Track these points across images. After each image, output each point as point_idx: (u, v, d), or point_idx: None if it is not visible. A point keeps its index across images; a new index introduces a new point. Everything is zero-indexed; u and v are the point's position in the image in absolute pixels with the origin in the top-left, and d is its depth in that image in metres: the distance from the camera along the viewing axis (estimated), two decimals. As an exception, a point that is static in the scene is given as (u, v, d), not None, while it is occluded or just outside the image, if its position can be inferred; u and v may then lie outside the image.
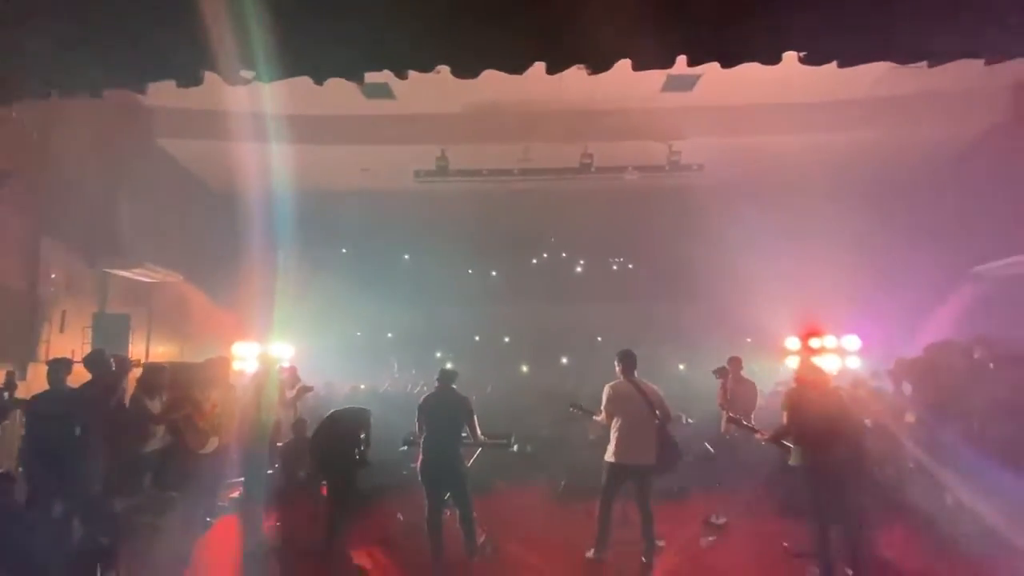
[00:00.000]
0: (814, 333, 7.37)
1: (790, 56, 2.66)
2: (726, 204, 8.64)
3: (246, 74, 2.78)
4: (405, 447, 5.47)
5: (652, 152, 8.75)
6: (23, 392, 5.38)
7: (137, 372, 5.61)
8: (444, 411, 4.83)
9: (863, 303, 8.48)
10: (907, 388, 5.88)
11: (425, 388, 7.67)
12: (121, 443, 4.76)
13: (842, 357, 7.56)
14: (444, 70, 2.79)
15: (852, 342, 7.62)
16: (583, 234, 11.61)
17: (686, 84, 7.57)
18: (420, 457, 4.78)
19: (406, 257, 12.23)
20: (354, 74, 2.83)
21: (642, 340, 10.28)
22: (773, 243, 9.22)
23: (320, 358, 9.32)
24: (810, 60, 2.69)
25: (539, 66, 2.76)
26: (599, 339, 10.57)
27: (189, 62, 2.70)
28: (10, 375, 5.61)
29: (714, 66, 2.71)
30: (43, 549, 4.03)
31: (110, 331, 7.47)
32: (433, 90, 7.39)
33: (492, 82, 2.96)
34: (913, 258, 8.78)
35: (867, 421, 5.34)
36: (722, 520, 5.52)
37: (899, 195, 9.32)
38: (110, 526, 4.34)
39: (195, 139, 8.61)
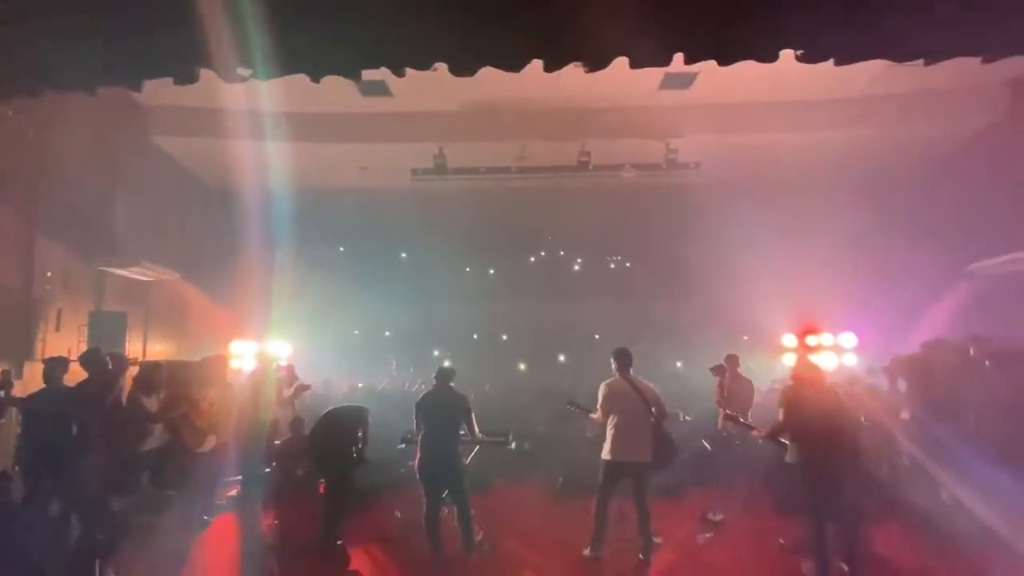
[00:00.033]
0: (811, 330, 7.39)
1: (787, 54, 2.67)
2: (723, 202, 8.65)
3: (243, 71, 2.77)
4: (403, 445, 5.48)
5: (649, 150, 8.75)
6: (19, 391, 5.36)
7: (134, 370, 5.59)
8: (442, 409, 4.84)
9: (859, 301, 8.52)
10: (902, 385, 5.91)
11: (423, 386, 7.66)
12: (118, 442, 4.74)
13: (838, 354, 7.59)
14: (441, 68, 2.78)
15: (848, 339, 7.64)
16: (581, 232, 11.61)
17: (683, 82, 7.58)
18: (418, 455, 4.79)
19: (404, 255, 12.21)
20: (351, 72, 2.82)
21: (640, 338, 10.32)
22: (770, 241, 9.24)
23: (318, 356, 9.30)
24: (807, 58, 2.69)
25: (536, 64, 2.76)
26: (597, 337, 10.59)
27: (185, 59, 2.69)
28: (6, 374, 5.59)
29: (711, 64, 2.71)
30: (40, 548, 4.03)
31: (106, 329, 7.44)
32: (430, 88, 7.37)
33: (490, 80, 2.95)
34: (909, 256, 8.81)
35: (863, 418, 5.37)
36: (719, 517, 5.54)
37: (895, 193, 9.36)
38: (108, 525, 4.33)
39: (192, 137, 8.57)
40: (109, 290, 8.20)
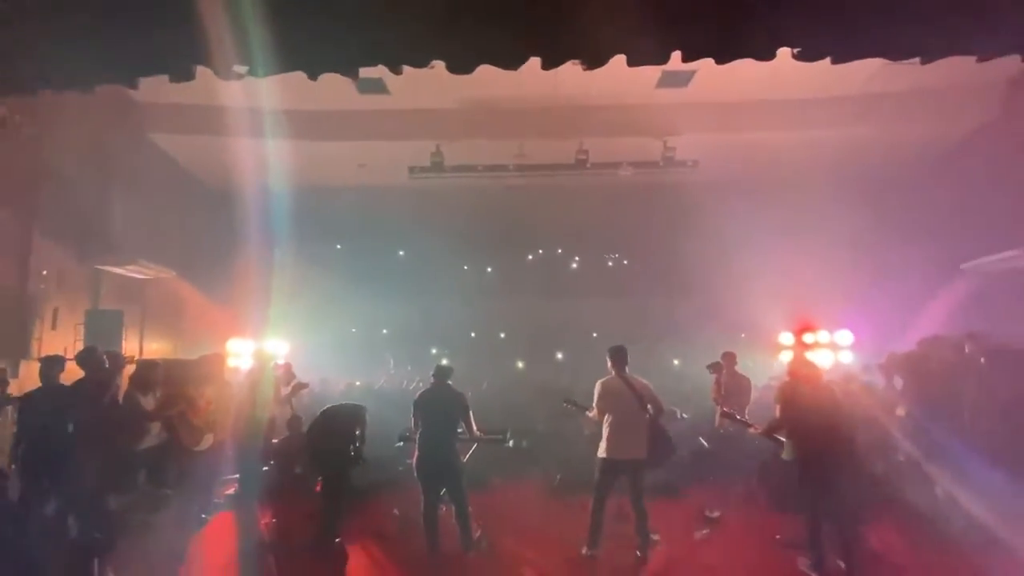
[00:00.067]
0: (807, 328, 7.43)
1: (784, 52, 2.67)
2: (720, 200, 8.67)
3: (239, 69, 2.76)
4: (401, 443, 5.48)
5: (647, 148, 8.76)
6: (15, 389, 5.35)
7: (130, 369, 5.58)
8: (440, 407, 4.85)
9: (856, 298, 8.55)
10: (898, 382, 5.94)
11: (421, 384, 7.66)
12: (115, 440, 4.74)
13: (835, 352, 7.63)
14: (439, 66, 2.78)
15: (845, 337, 7.68)
16: (578, 230, 11.62)
17: (681, 80, 7.58)
18: (416, 453, 4.80)
19: (401, 253, 12.20)
20: (348, 69, 2.81)
21: (637, 336, 10.34)
22: (767, 239, 9.27)
23: (315, 355, 9.30)
24: (804, 56, 2.70)
25: (534, 62, 2.76)
26: (594, 335, 10.60)
27: (182, 56, 2.67)
28: (2, 372, 5.58)
29: (709, 62, 2.72)
30: (37, 547, 4.02)
31: (103, 328, 7.42)
32: (428, 86, 7.33)
33: (487, 78, 2.95)
34: (905, 253, 8.85)
35: (859, 415, 5.39)
36: (716, 514, 5.57)
37: (892, 191, 9.39)
38: (105, 523, 4.32)
39: (189, 134, 8.54)
40: (105, 288, 8.17)
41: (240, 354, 7.54)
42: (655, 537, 4.75)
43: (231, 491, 5.68)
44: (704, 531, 5.25)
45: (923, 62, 2.77)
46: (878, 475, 5.56)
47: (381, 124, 8.54)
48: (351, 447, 4.90)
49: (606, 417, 4.70)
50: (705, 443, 7.04)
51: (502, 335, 12.18)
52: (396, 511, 5.47)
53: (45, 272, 7.00)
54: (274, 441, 6.26)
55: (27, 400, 4.65)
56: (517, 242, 12.12)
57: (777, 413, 4.63)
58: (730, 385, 6.81)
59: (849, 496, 4.43)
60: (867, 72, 7.00)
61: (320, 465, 5.10)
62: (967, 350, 5.72)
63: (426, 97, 7.93)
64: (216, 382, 5.79)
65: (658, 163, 8.81)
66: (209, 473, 5.30)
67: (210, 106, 7.33)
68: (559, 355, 11.82)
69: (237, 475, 5.37)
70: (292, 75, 2.79)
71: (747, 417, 5.70)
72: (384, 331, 11.92)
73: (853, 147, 8.75)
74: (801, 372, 4.69)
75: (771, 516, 5.41)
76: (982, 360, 5.53)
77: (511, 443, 5.93)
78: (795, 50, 2.68)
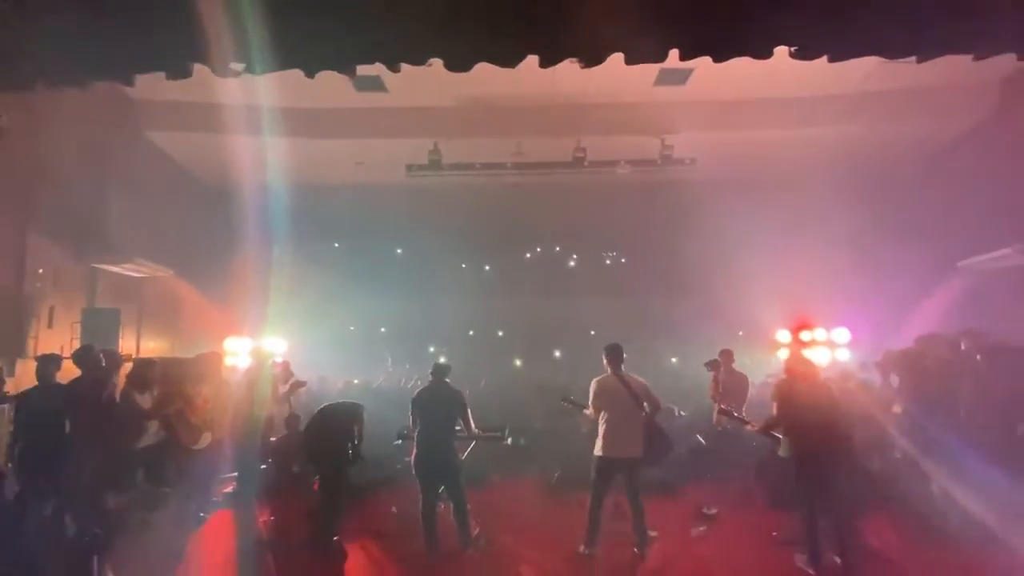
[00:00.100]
0: (804, 326, 7.45)
1: (781, 51, 2.68)
2: (718, 198, 8.68)
3: (236, 66, 2.75)
4: (399, 441, 5.49)
5: (645, 146, 8.76)
6: (11, 388, 5.32)
7: (128, 367, 5.57)
8: (438, 405, 4.85)
9: (853, 296, 8.57)
10: (894, 380, 5.96)
11: (419, 382, 7.68)
12: (112, 439, 4.73)
13: (832, 349, 7.64)
14: (437, 63, 2.78)
15: (842, 335, 7.70)
16: (576, 228, 11.63)
17: (679, 78, 7.58)
18: (414, 451, 4.80)
19: (399, 251, 12.19)
20: (346, 67, 2.82)
21: (635, 334, 10.35)
22: (765, 237, 9.29)
23: (313, 353, 9.28)
24: (801, 55, 2.71)
25: (532, 60, 2.76)
26: (592, 333, 10.62)
27: (178, 54, 2.67)
28: (-2, 371, 5.54)
29: (707, 60, 2.72)
30: (34, 546, 4.01)
31: (100, 326, 7.40)
32: (426, 84, 7.31)
33: (485, 76, 2.95)
34: (901, 252, 8.88)
35: (855, 412, 5.41)
36: (713, 511, 5.59)
37: (889, 189, 9.42)
38: (103, 521, 4.32)
39: (185, 132, 8.51)
40: (102, 287, 8.14)
41: (238, 353, 7.53)
42: (652, 534, 4.76)
43: (229, 489, 5.68)
44: (701, 528, 5.27)
45: (919, 61, 2.79)
46: (874, 472, 5.58)
47: (379, 122, 8.52)
48: (349, 445, 4.90)
49: (602, 415, 4.71)
50: (703, 440, 7.07)
51: (500, 333, 12.19)
52: (394, 509, 5.48)
53: (41, 270, 6.97)
54: (272, 439, 6.26)
55: (24, 399, 4.64)
56: (515, 240, 12.12)
57: (774, 410, 4.64)
58: (728, 383, 6.83)
59: (846, 493, 4.45)
60: (863, 71, 7.01)
61: (317, 463, 5.09)
62: (963, 348, 5.75)
63: (424, 95, 7.92)
64: (214, 381, 5.78)
65: (656, 161, 8.81)
66: (207, 471, 5.30)
67: (207, 104, 7.30)
68: (557, 353, 11.84)
69: (235, 473, 5.38)
70: (289, 73, 2.79)
71: (744, 414, 5.72)
72: (382, 329, 11.92)
73: (850, 145, 8.77)
74: (798, 370, 4.71)
75: (768, 513, 5.43)
76: (978, 357, 5.56)
77: (509, 441, 5.94)
78: (792, 49, 2.69)
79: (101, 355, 5.08)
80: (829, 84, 7.65)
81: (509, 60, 2.75)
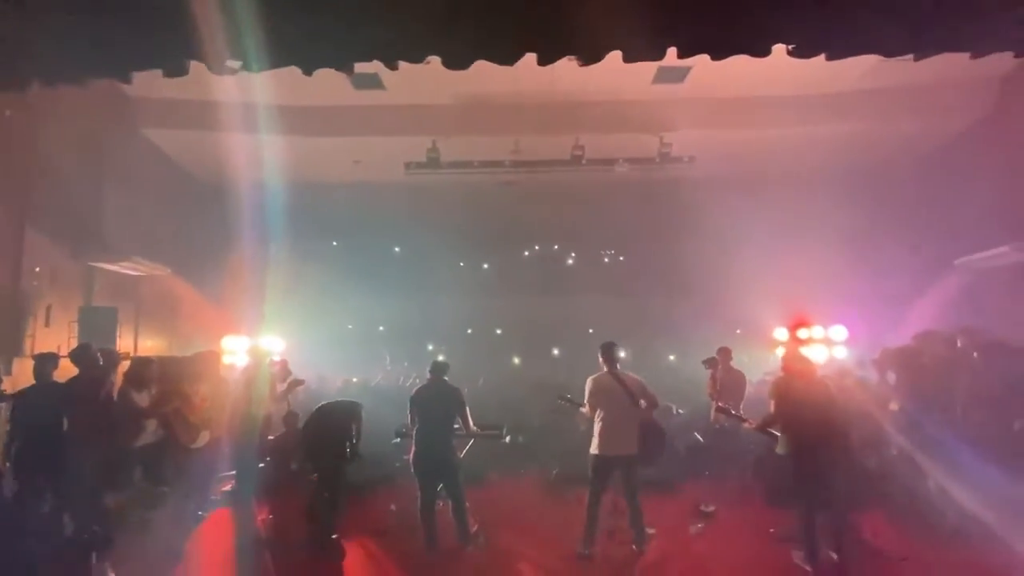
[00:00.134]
0: (802, 324, 7.48)
1: (779, 49, 2.68)
2: (717, 197, 8.68)
3: (233, 64, 2.74)
4: (398, 439, 5.49)
5: (643, 144, 8.76)
6: (8, 387, 5.30)
7: (125, 366, 5.55)
8: (436, 403, 4.85)
9: (850, 294, 8.60)
10: (891, 377, 5.98)
11: (417, 380, 7.66)
12: (110, 438, 4.72)
13: (829, 347, 7.68)
14: (435, 61, 2.78)
15: (839, 333, 7.74)
16: (574, 226, 11.62)
17: (677, 76, 7.58)
18: (413, 449, 4.81)
19: (397, 250, 12.18)
20: (344, 64, 2.81)
21: (633, 332, 10.38)
22: (763, 235, 9.31)
23: (311, 351, 9.27)
24: (799, 53, 2.71)
25: (530, 57, 2.76)
26: (590, 331, 10.62)
27: (175, 51, 2.66)
28: (-5, 370, 5.53)
29: (705, 58, 2.72)
30: (32, 545, 4.01)
31: (97, 325, 7.37)
32: (424, 81, 7.32)
33: (483, 73, 2.95)
34: (899, 250, 8.91)
35: (852, 409, 5.43)
36: (711, 508, 5.61)
37: (886, 187, 9.43)
38: (101, 520, 4.32)
39: (182, 130, 8.47)
40: (99, 285, 8.12)
41: (236, 351, 7.52)
42: (651, 532, 4.78)
43: (228, 488, 5.68)
44: (699, 525, 5.29)
45: (917, 59, 2.79)
46: (871, 469, 5.61)
47: (377, 120, 8.50)
48: (347, 444, 4.90)
49: (598, 413, 4.71)
50: (700, 438, 7.09)
51: (498, 331, 12.19)
52: (393, 507, 5.48)
53: (38, 269, 6.94)
54: (270, 438, 6.26)
55: (21, 398, 4.63)
56: (513, 238, 12.12)
57: (772, 408, 4.66)
58: (725, 380, 6.84)
59: (843, 490, 4.47)
60: (861, 68, 7.01)
61: (315, 462, 5.09)
62: (959, 345, 5.77)
63: (422, 93, 7.90)
64: (212, 379, 5.77)
65: (654, 159, 8.81)
66: (205, 470, 5.29)
67: (205, 101, 7.28)
68: (555, 351, 11.84)
69: (233, 472, 5.37)
70: (287, 70, 2.78)
71: (742, 412, 5.73)
72: (381, 328, 11.91)
73: (848, 143, 8.78)
74: (795, 367, 4.72)
75: (766, 510, 5.45)
76: (975, 355, 5.58)
77: (507, 439, 5.95)
78: (790, 46, 2.69)
79: (98, 354, 5.07)
80: (826, 82, 7.65)
81: (507, 58, 2.75)
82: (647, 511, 4.73)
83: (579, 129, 8.65)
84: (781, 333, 7.84)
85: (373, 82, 7.53)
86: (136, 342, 8.87)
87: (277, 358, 6.72)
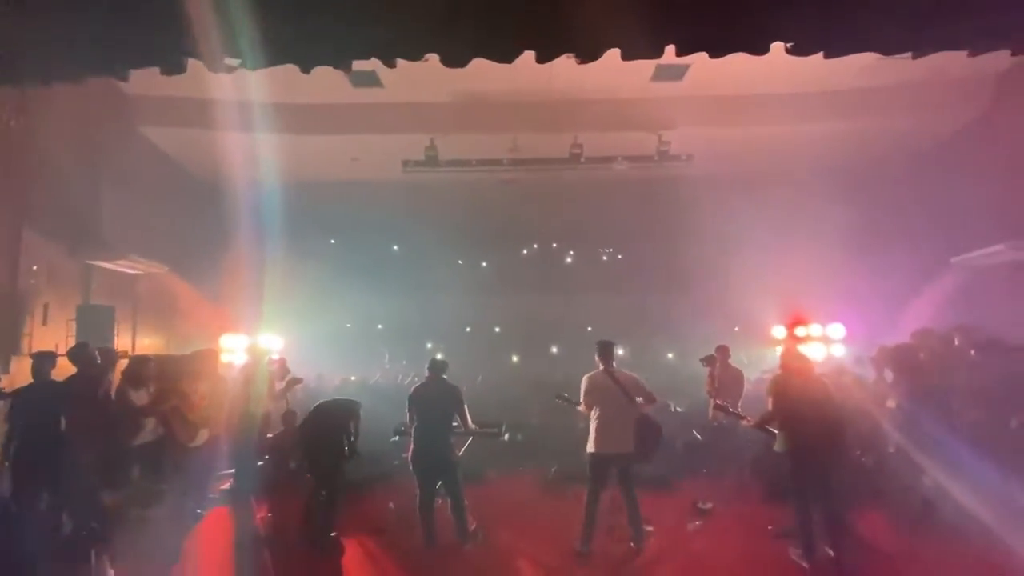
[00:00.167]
0: (800, 322, 7.50)
1: (777, 47, 2.68)
2: (715, 195, 8.70)
3: (231, 62, 2.74)
4: (396, 437, 5.49)
5: (642, 142, 8.76)
6: (6, 386, 5.30)
7: (123, 364, 5.55)
8: (435, 401, 4.86)
9: (848, 292, 8.62)
10: (888, 375, 6.00)
11: (416, 379, 7.67)
12: (108, 436, 4.72)
13: (827, 345, 7.70)
14: (433, 59, 2.77)
15: (837, 330, 7.76)
16: (573, 225, 11.63)
17: (676, 74, 7.58)
18: (411, 447, 4.81)
19: (395, 248, 12.18)
20: (342, 62, 2.80)
21: (632, 330, 10.40)
22: (761, 233, 9.33)
23: (310, 350, 9.28)
24: (797, 51, 2.72)
25: (528, 55, 2.75)
26: (589, 329, 10.64)
27: (173, 49, 2.65)
28: (-8, 369, 5.52)
29: (703, 56, 2.72)
30: (30, 544, 4.01)
31: (95, 323, 7.36)
32: (422, 79, 7.32)
33: (481, 71, 2.95)
34: (896, 248, 8.94)
35: (850, 407, 5.45)
36: (709, 505, 5.63)
37: (883, 186, 9.46)
38: (99, 517, 4.31)
39: (180, 128, 8.45)
40: (96, 284, 8.10)
41: (234, 350, 7.51)
42: (649, 529, 4.79)
43: (226, 486, 5.67)
44: (697, 522, 5.31)
45: (914, 57, 2.79)
46: (868, 466, 5.63)
47: (375, 118, 8.49)
48: (344, 442, 4.91)
49: (593, 411, 4.73)
50: (698, 435, 7.11)
51: (497, 329, 12.20)
52: (392, 505, 5.49)
53: (35, 267, 6.92)
54: (269, 436, 6.26)
55: (18, 396, 4.62)
56: (512, 237, 12.12)
57: (769, 405, 4.67)
58: (723, 378, 6.86)
59: (840, 487, 4.48)
60: (858, 66, 7.01)
61: (314, 460, 5.10)
62: (956, 343, 5.79)
63: (420, 91, 7.89)
64: (210, 378, 5.76)
65: (653, 157, 8.81)
66: (204, 468, 5.29)
67: (202, 99, 7.26)
68: (554, 349, 11.86)
69: (232, 470, 5.37)
70: (284, 68, 2.78)
71: (740, 410, 5.75)
72: (379, 326, 11.91)
73: (845, 141, 8.79)
74: (793, 365, 4.73)
75: (763, 507, 5.47)
76: (971, 352, 5.61)
77: (506, 436, 5.96)
78: (788, 45, 2.69)
79: (96, 352, 5.07)
80: (824, 80, 7.66)
81: (506, 56, 2.75)
82: (645, 508, 4.75)
83: (577, 127, 8.65)
84: (779, 331, 7.86)
85: (371, 80, 7.52)
86: (134, 340, 8.86)
87: (275, 356, 6.71)
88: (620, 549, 4.65)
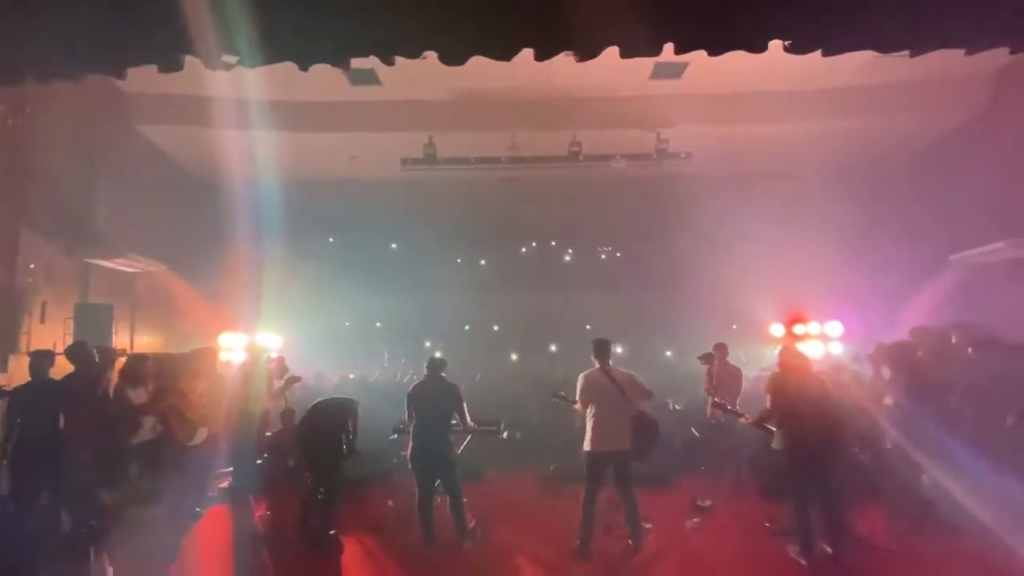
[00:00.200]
0: (798, 320, 7.50)
1: (776, 45, 2.68)
2: (713, 193, 8.70)
3: (228, 59, 2.73)
4: (395, 435, 5.50)
5: (640, 140, 8.76)
6: (4, 384, 5.29)
7: (121, 363, 5.54)
8: (434, 399, 4.86)
9: (846, 290, 8.64)
10: (886, 372, 6.01)
11: (415, 377, 7.69)
12: (106, 435, 4.72)
13: (825, 343, 7.71)
14: (431, 56, 2.76)
15: (835, 328, 7.77)
16: (572, 223, 11.63)
17: (674, 72, 7.57)
18: (410, 445, 4.82)
19: (394, 246, 12.17)
20: (340, 60, 2.79)
21: (630, 328, 10.41)
22: (759, 231, 9.33)
23: (309, 348, 9.27)
24: (795, 49, 2.71)
25: (527, 53, 2.75)
26: (588, 327, 10.63)
27: (170, 47, 2.64)
28: (-10, 367, 5.52)
29: (701, 54, 2.72)
30: (28, 541, 4.01)
31: (93, 322, 7.36)
32: (420, 77, 7.31)
33: (480, 69, 2.94)
34: (894, 246, 8.95)
35: (848, 404, 5.47)
36: (707, 503, 5.64)
37: (881, 183, 9.47)
38: (98, 515, 4.31)
39: (178, 125, 8.43)
40: (94, 282, 8.09)
41: (232, 348, 7.51)
42: (647, 526, 4.80)
43: (225, 484, 5.68)
44: (695, 520, 5.33)
45: (913, 55, 2.79)
46: (866, 463, 5.65)
47: (373, 116, 8.47)
48: (343, 440, 4.91)
49: (589, 409, 4.73)
50: (697, 433, 7.12)
51: (495, 327, 12.20)
52: (391, 503, 5.50)
53: (33, 266, 6.91)
54: (267, 434, 6.26)
55: (17, 395, 4.61)
56: (510, 235, 12.12)
57: (767, 403, 4.68)
58: (722, 376, 6.87)
59: (838, 484, 4.50)
60: (856, 64, 7.03)
61: (309, 458, 5.10)
62: (954, 340, 5.80)
63: (419, 88, 7.88)
64: (208, 376, 5.76)
65: (651, 155, 8.81)
66: (203, 467, 5.29)
67: (200, 97, 7.25)
68: (552, 347, 11.87)
69: (231, 468, 5.38)
70: (282, 65, 2.77)
71: (738, 407, 5.76)
72: (378, 324, 11.90)
73: (844, 139, 8.80)
74: (791, 363, 4.74)
75: (761, 504, 5.49)
76: (969, 350, 5.62)
77: (505, 434, 5.96)
78: (786, 42, 2.69)
79: (94, 351, 5.05)
80: (822, 78, 7.67)
81: (504, 53, 2.74)
82: (643, 506, 4.76)
83: (576, 125, 8.64)
84: (777, 329, 7.87)
85: (369, 78, 7.50)
86: (132, 339, 8.85)
87: (274, 354, 6.71)
88: (618, 547, 4.66)
